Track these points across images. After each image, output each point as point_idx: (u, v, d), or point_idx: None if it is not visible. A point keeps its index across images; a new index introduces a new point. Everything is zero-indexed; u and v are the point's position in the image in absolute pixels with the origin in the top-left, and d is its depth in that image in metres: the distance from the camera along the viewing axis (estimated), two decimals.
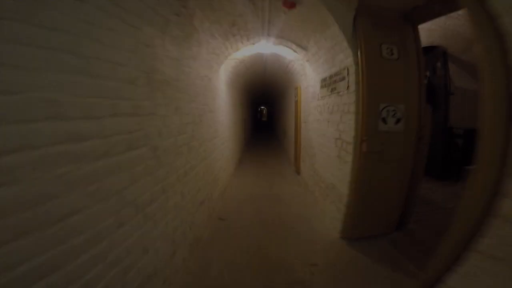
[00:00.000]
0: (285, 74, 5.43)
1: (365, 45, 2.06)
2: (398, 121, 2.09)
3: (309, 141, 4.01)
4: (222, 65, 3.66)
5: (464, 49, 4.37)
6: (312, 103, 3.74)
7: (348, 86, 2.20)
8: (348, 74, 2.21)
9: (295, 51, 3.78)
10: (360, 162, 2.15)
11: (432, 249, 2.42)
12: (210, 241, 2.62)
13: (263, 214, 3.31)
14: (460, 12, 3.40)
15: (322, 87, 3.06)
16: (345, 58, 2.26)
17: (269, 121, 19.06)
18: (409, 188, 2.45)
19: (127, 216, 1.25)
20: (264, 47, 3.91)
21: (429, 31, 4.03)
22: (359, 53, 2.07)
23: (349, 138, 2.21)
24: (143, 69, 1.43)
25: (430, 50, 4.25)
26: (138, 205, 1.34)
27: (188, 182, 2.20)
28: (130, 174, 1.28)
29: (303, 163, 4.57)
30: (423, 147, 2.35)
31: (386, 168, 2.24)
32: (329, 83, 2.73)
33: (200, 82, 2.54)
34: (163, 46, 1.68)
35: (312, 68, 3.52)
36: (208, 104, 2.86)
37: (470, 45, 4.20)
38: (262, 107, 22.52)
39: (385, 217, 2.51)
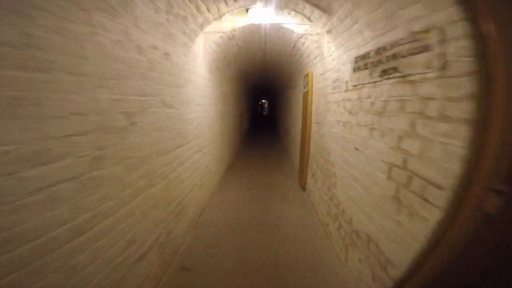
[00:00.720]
0: (292, 57, 4.20)
1: None
2: None
3: (324, 151, 2.83)
4: (197, 39, 2.46)
5: None
6: (332, 96, 2.55)
7: (444, 64, 1.00)
8: (443, 40, 1.01)
9: (308, 18, 2.56)
10: (459, 227, 0.98)
11: None
12: None
13: (251, 261, 2.23)
14: None
15: (356, 69, 1.86)
16: (430, 11, 1.08)
17: (271, 115, 17.93)
18: None
19: None
20: (261, 15, 2.70)
21: None
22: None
23: (438, 174, 1.03)
24: None
25: None
26: None
27: (88, 246, 1.07)
28: None
29: (312, 178, 3.42)
30: None
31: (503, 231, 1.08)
32: (377, 62, 1.53)
33: (136, 57, 1.36)
34: None
35: (337, 42, 2.31)
36: (160, 94, 1.67)
37: None
38: (263, 101, 21.42)
39: None
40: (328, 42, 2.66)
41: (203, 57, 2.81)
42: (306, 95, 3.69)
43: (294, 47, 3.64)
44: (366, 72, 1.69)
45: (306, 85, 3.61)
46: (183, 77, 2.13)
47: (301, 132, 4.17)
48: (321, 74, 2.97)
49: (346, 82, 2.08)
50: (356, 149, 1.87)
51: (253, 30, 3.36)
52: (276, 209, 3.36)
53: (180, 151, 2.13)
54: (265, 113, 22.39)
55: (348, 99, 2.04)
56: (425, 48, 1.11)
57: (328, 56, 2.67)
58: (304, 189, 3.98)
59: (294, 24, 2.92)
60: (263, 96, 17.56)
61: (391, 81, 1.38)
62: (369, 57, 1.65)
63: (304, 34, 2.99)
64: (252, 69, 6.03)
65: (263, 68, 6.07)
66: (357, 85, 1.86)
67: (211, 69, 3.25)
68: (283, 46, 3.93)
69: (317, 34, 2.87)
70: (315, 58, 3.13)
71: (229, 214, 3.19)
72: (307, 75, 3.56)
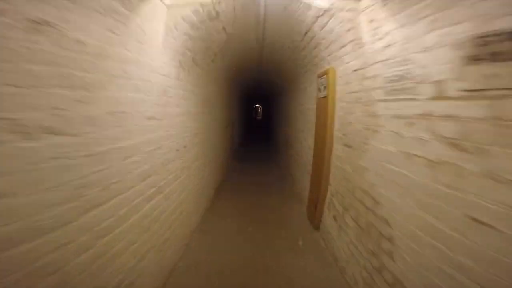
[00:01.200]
0: (300, 49, 3.22)
1: None
2: None
3: (364, 195, 1.83)
4: (146, 8, 1.43)
5: None
6: (388, 106, 1.56)
7: None
8: None
9: None
10: None
11: None
12: None
13: None
14: None
15: (481, 59, 0.88)
16: None
17: (265, 120, 16.99)
18: None
19: None
20: None
21: None
22: None
23: None
24: None
25: None
26: None
27: None
28: None
29: (334, 221, 2.42)
30: None
31: None
32: None
33: None
34: None
35: (406, 14, 1.33)
36: (54, 107, 0.62)
37: None
38: (257, 105, 20.56)
39: None
40: (371, 21, 1.69)
41: (165, 42, 1.77)
42: (323, 101, 2.71)
43: (305, 34, 2.67)
44: None
45: (324, 88, 2.63)
46: (102, 70, 1.08)
47: (313, 153, 3.17)
48: (355, 71, 2.00)
49: (438, 82, 1.10)
50: (476, 220, 0.88)
51: (248, 7, 2.37)
52: (281, 264, 2.36)
53: (93, 217, 1.07)
54: (258, 117, 21.61)
55: (448, 116, 1.05)
56: None
57: (373, 41, 1.70)
58: (317, 227, 2.99)
59: None
60: (257, 99, 16.59)
61: None
62: None
63: (328, 11, 2.02)
64: (246, 67, 5.04)
65: (259, 66, 5.08)
66: (483, 89, 0.88)
67: (183, 62, 2.21)
68: (289, 35, 2.95)
69: (349, 9, 1.90)
70: (343, 47, 2.15)
71: (212, 276, 2.15)
72: (325, 74, 2.58)
